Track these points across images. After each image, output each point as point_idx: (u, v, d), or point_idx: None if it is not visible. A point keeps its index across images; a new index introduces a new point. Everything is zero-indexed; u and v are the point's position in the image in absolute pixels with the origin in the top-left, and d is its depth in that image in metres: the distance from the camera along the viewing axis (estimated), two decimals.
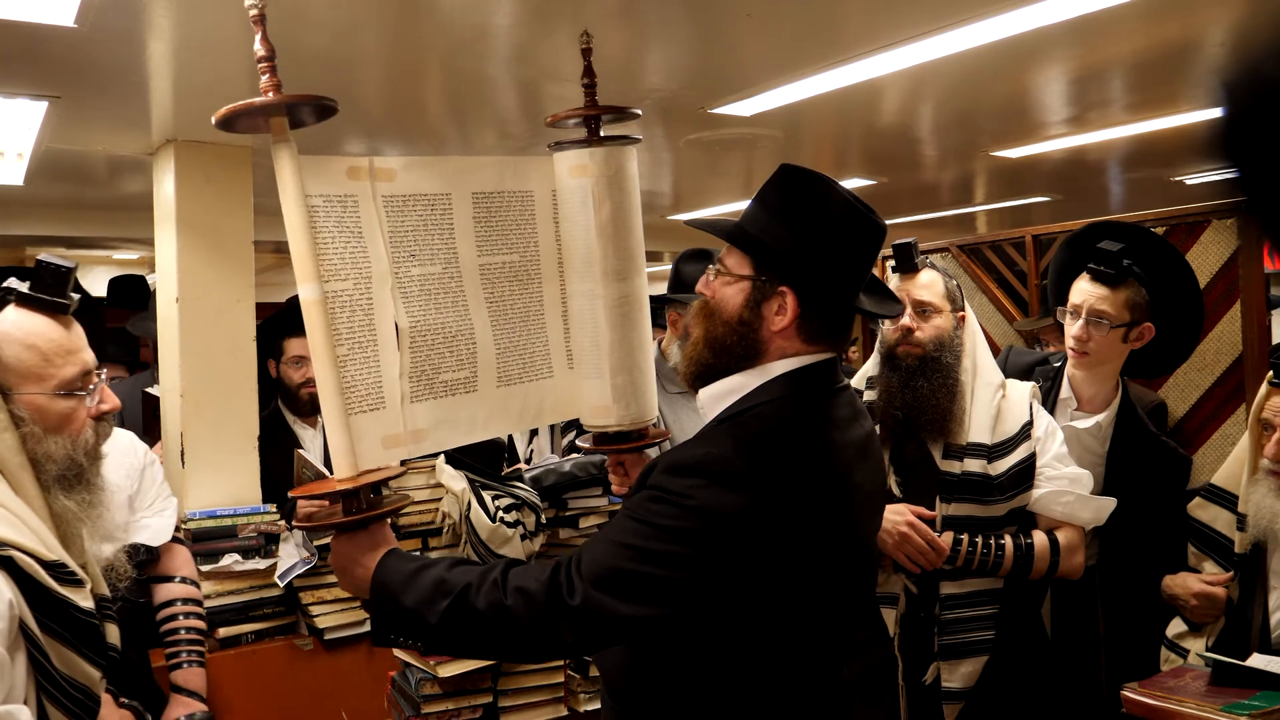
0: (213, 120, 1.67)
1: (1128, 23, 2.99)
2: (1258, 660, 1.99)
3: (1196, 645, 2.22)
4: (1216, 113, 4.16)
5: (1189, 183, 6.36)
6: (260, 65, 1.61)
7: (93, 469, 1.91)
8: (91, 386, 1.94)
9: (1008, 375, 2.81)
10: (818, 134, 4.46)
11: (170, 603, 2.90)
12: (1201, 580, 2.24)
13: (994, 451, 2.37)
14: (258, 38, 1.62)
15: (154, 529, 2.85)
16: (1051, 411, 2.70)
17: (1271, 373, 2.19)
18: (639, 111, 1.93)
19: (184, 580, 2.95)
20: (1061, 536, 2.35)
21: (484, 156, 1.85)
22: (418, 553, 3.59)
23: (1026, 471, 2.37)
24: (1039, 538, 2.35)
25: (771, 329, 1.58)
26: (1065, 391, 2.75)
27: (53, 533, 1.79)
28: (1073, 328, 2.65)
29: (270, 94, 1.60)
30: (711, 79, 3.43)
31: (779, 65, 3.23)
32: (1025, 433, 2.40)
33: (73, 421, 1.88)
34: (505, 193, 1.92)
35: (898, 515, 2.32)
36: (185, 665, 2.85)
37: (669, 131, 4.29)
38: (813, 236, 1.58)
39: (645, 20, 2.84)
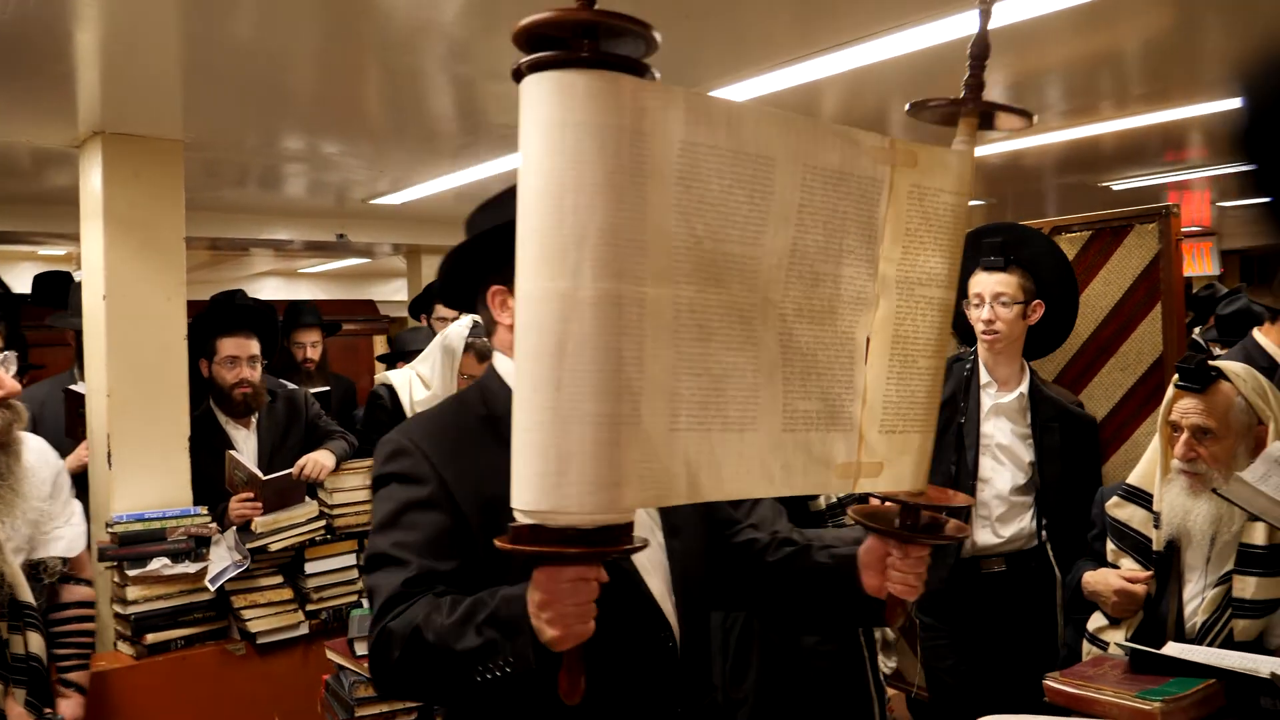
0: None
1: (1058, 32, 3.07)
2: (1172, 649, 2.06)
3: (1116, 637, 2.29)
4: (1141, 120, 4.29)
5: (1116, 188, 6.53)
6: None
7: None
8: None
9: None
10: None
11: (71, 605, 2.77)
12: (1121, 577, 2.31)
13: None
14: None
15: (68, 540, 2.74)
16: (976, 395, 2.93)
17: (1177, 375, 2.25)
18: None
19: (82, 581, 2.82)
20: None
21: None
22: (354, 554, 3.61)
23: None
24: None
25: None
26: (985, 377, 2.96)
27: None
28: (982, 313, 2.90)
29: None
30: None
31: (717, 68, 3.26)
32: None
33: None
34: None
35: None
36: (77, 668, 2.75)
37: None
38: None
39: None
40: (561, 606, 1.23)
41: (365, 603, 3.16)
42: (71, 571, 2.79)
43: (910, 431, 1.39)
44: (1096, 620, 2.36)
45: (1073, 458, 2.89)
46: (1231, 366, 2.25)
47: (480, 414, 1.58)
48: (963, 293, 2.99)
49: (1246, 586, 2.12)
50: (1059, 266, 3.00)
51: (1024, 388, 2.94)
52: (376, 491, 1.55)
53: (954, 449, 2.92)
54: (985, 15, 1.36)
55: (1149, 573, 2.28)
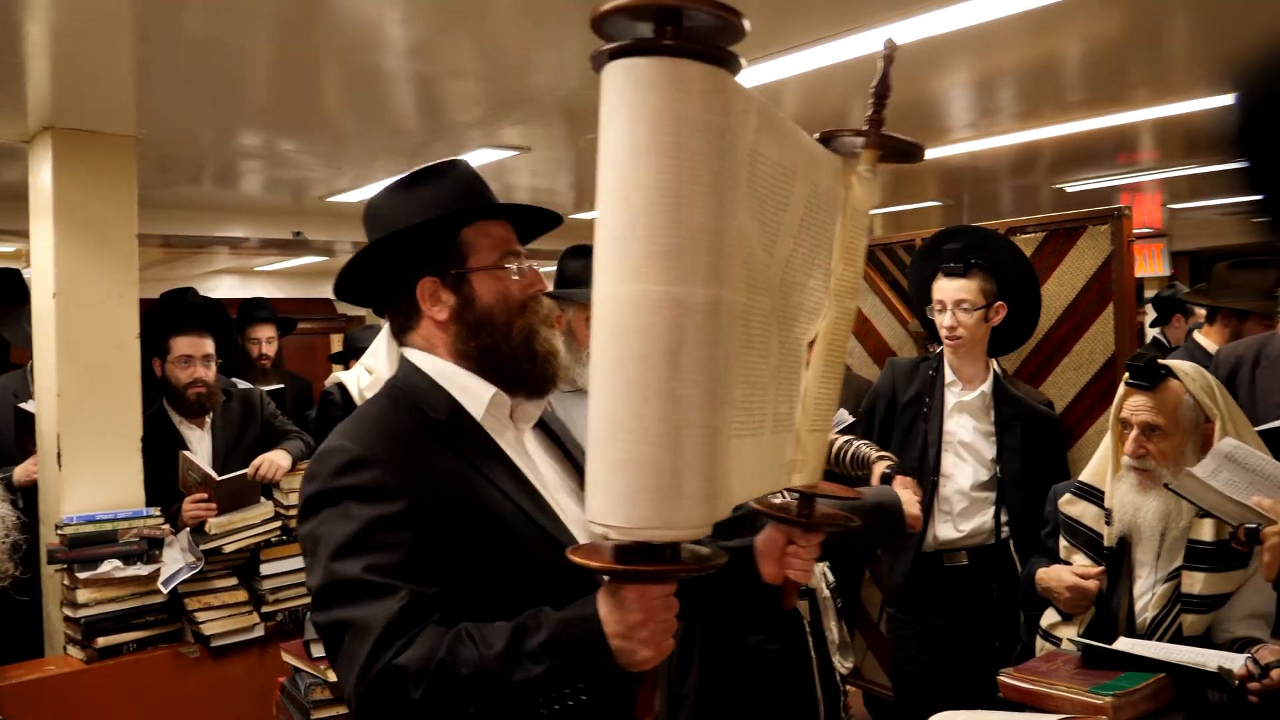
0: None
1: (1012, 36, 3.11)
2: (1123, 644, 2.10)
3: (1068, 633, 2.32)
4: (1093, 123, 4.36)
5: (1069, 190, 6.63)
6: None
7: None
8: None
9: (898, 379, 3.11)
10: None
11: None
12: (1074, 574, 2.34)
13: None
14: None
15: None
16: (941, 393, 3.01)
17: (1128, 374, 2.29)
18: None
19: None
20: None
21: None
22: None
23: None
24: None
25: None
26: (950, 376, 3.04)
27: None
28: (944, 319, 2.96)
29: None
30: None
31: None
32: None
33: None
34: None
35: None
36: None
37: (569, 130, 4.30)
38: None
39: (543, 19, 2.84)
40: (655, 625, 1.22)
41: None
42: None
43: (824, 430, 1.48)
44: (1049, 616, 2.40)
45: (1035, 455, 2.94)
46: (1181, 365, 2.29)
47: (419, 418, 1.45)
48: (927, 298, 3.05)
49: (1195, 582, 2.16)
50: (1019, 267, 3.05)
51: (987, 386, 3.00)
52: (322, 509, 1.36)
53: (918, 446, 3.00)
54: (888, 61, 1.45)
55: (1100, 569, 2.32)
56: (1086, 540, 2.37)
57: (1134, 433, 2.26)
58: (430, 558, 1.33)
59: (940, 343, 3.08)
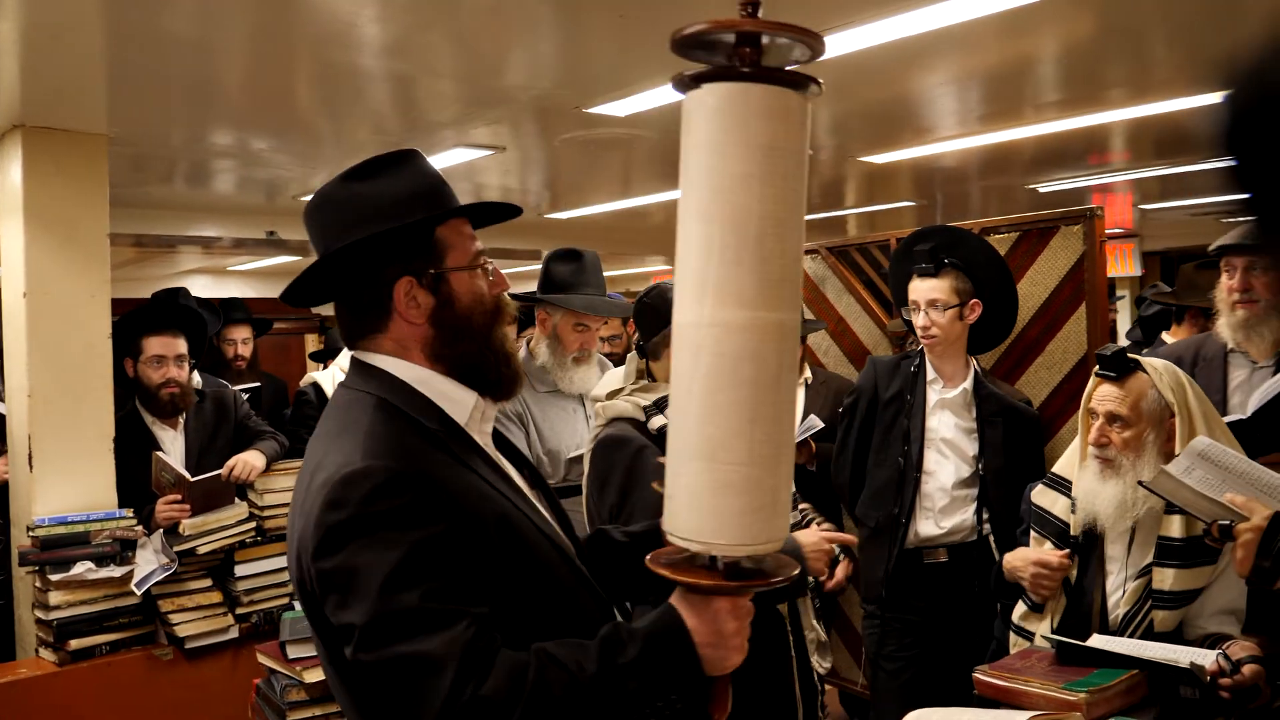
0: None
1: (983, 37, 3.13)
2: (1097, 640, 2.11)
3: (1041, 627, 2.35)
4: (1064, 124, 4.40)
5: (1042, 190, 6.69)
6: None
7: None
8: None
9: (880, 377, 3.12)
10: None
11: None
12: (1036, 551, 2.37)
13: None
14: None
15: None
16: (923, 391, 3.03)
17: (1098, 365, 2.33)
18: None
19: None
20: None
21: None
22: (285, 556, 3.55)
23: None
24: None
25: None
26: (931, 374, 3.06)
27: None
28: (919, 319, 2.99)
29: None
30: (586, 79, 3.45)
31: (653, 67, 3.27)
32: None
33: None
34: None
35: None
36: None
37: (545, 130, 4.29)
38: None
39: (519, 18, 2.83)
40: (745, 631, 1.29)
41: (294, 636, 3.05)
42: None
43: None
44: (1020, 609, 2.42)
45: (1015, 452, 2.97)
46: (1151, 360, 2.33)
47: (419, 429, 1.38)
48: (903, 300, 3.08)
49: (1165, 578, 2.18)
50: (993, 264, 3.07)
51: (968, 383, 3.02)
52: (353, 538, 1.25)
53: (901, 443, 3.01)
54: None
55: (1065, 551, 2.34)
56: (1054, 530, 2.40)
57: (1098, 422, 2.30)
58: (475, 576, 1.28)
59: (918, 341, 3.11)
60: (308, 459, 1.42)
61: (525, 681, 1.21)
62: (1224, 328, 2.87)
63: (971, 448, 2.98)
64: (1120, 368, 2.29)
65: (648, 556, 1.31)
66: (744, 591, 1.25)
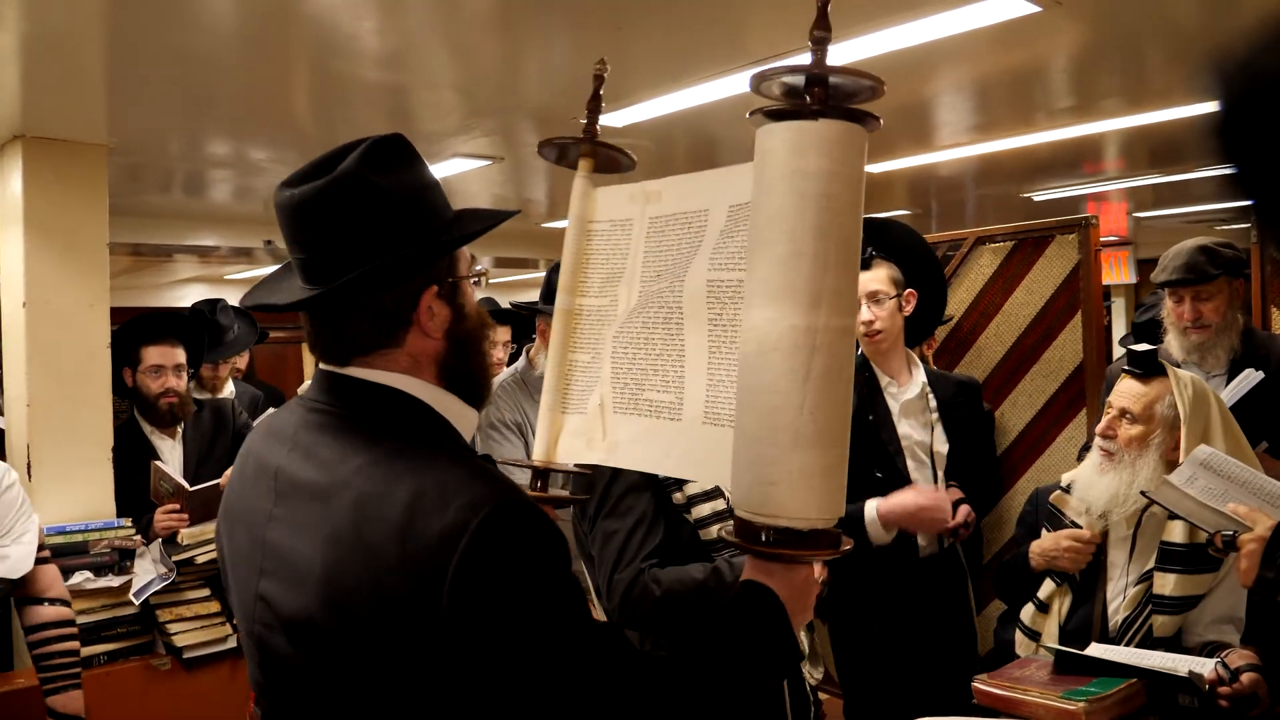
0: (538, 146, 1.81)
1: (979, 48, 3.14)
2: (1095, 650, 2.13)
3: (1049, 626, 2.35)
4: (1060, 134, 4.42)
5: (1037, 199, 6.71)
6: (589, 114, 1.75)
7: None
8: None
9: None
10: (690, 146, 4.54)
11: (41, 626, 2.80)
12: (1064, 531, 2.36)
13: None
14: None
15: (13, 559, 2.73)
16: (883, 400, 2.83)
17: (1128, 359, 2.39)
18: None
19: (54, 602, 2.84)
20: None
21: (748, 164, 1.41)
22: None
23: None
24: None
25: None
26: (883, 379, 2.88)
27: None
28: (863, 315, 2.81)
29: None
30: (583, 90, 3.44)
31: (650, 78, 3.28)
32: None
33: None
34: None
35: None
36: (61, 690, 2.77)
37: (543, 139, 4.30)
38: None
39: (518, 31, 2.85)
40: (814, 590, 1.41)
41: None
42: (31, 592, 2.77)
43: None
44: (1029, 610, 2.43)
45: (969, 427, 2.90)
46: (1179, 370, 2.36)
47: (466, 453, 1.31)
48: None
49: (1166, 583, 2.20)
50: (920, 250, 2.98)
51: (922, 375, 2.90)
52: (537, 587, 1.16)
53: (879, 460, 2.78)
54: (599, 80, 1.81)
55: (1097, 530, 2.34)
56: (1064, 526, 2.42)
57: (1112, 413, 2.33)
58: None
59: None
60: (365, 495, 1.21)
61: (668, 674, 1.23)
62: (1176, 350, 2.98)
63: (941, 444, 2.85)
64: (1147, 367, 2.33)
65: (741, 539, 1.34)
66: (830, 555, 1.34)
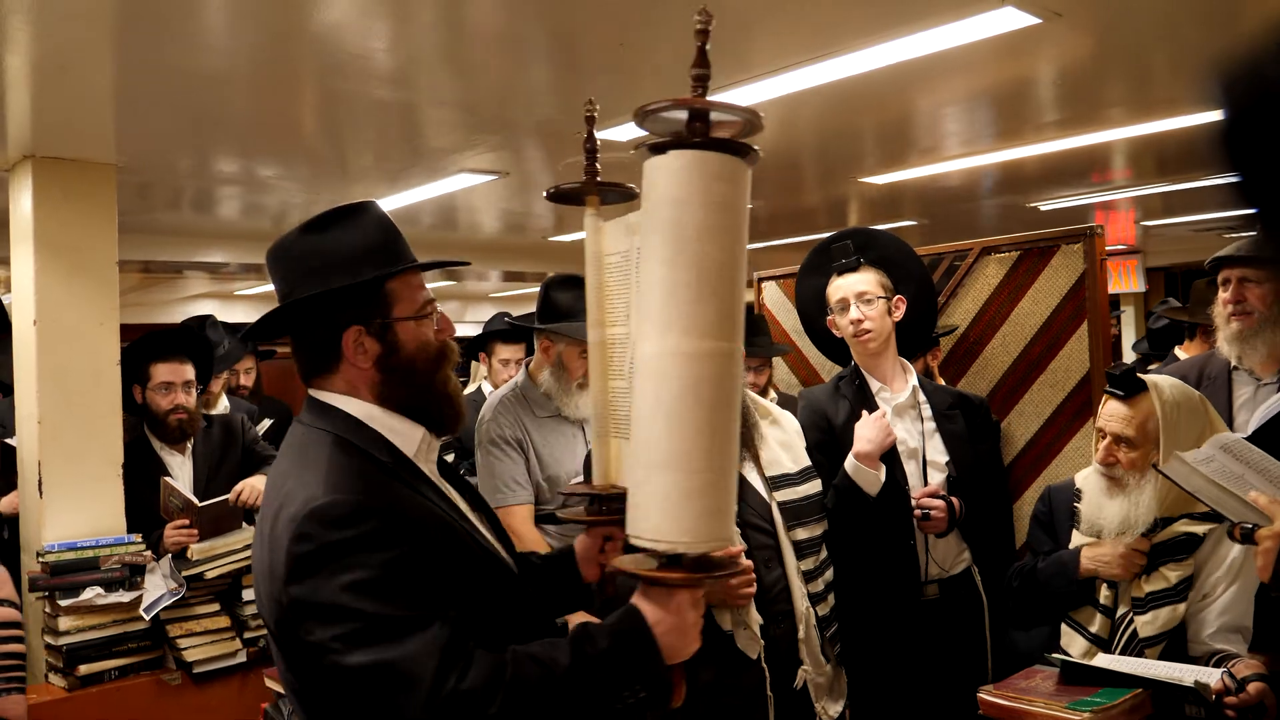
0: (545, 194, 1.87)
1: (985, 60, 3.16)
2: (1102, 660, 2.13)
3: (1096, 618, 2.32)
4: (1067, 143, 4.42)
5: (1043, 208, 6.71)
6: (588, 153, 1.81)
7: None
8: None
9: (823, 406, 2.85)
10: None
11: None
12: (1116, 541, 2.30)
13: None
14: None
15: None
16: (873, 406, 2.77)
17: (1107, 382, 2.36)
18: None
19: (8, 604, 2.79)
20: None
21: None
22: None
23: None
24: None
25: None
26: (874, 384, 2.85)
27: None
28: (850, 316, 2.79)
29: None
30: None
31: (655, 93, 3.28)
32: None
33: None
34: None
35: None
36: (3, 693, 2.72)
37: (549, 155, 4.33)
38: None
39: (523, 48, 2.87)
40: (700, 622, 1.43)
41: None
42: None
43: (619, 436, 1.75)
44: (1096, 618, 2.35)
45: (977, 444, 2.85)
46: (1158, 380, 2.33)
47: (375, 461, 1.49)
48: (823, 307, 2.93)
49: (1140, 584, 2.23)
50: (908, 259, 2.96)
51: (912, 379, 2.85)
52: (324, 565, 1.33)
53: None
54: (591, 121, 1.81)
55: (1147, 540, 2.29)
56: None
57: (1106, 441, 2.32)
58: (441, 588, 1.39)
59: (845, 362, 2.95)
60: (270, 494, 1.51)
61: (504, 674, 1.32)
62: (1223, 343, 2.85)
63: (940, 454, 2.78)
64: (1128, 387, 2.30)
65: (614, 562, 1.47)
66: (703, 583, 1.39)
